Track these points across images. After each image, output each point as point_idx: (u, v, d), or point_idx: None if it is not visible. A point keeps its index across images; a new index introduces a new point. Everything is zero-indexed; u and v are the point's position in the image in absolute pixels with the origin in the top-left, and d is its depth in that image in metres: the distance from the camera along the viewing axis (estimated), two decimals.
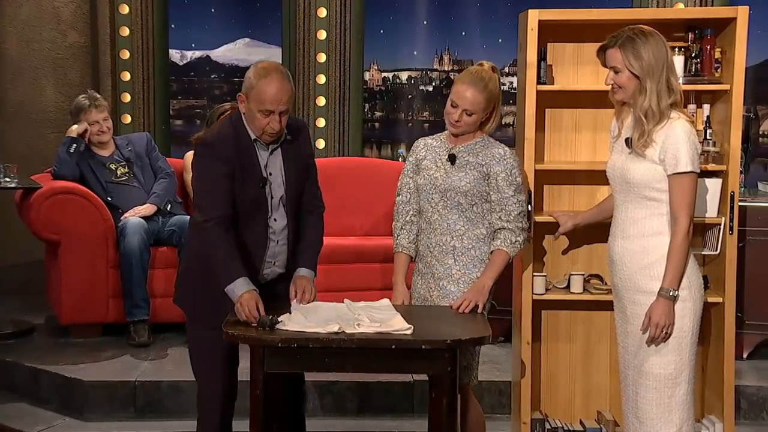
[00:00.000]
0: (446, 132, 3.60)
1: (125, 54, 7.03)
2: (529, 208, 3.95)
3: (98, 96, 5.65)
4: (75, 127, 5.49)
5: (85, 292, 5.30)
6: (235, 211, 3.31)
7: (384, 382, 4.65)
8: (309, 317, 3.20)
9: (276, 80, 3.25)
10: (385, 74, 7.25)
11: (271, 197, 3.38)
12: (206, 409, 3.50)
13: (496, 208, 3.51)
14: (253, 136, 3.34)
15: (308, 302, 3.36)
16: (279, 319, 3.13)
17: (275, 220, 3.40)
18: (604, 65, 3.31)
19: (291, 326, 3.12)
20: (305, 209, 3.52)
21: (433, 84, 7.16)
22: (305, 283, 3.40)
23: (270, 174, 3.37)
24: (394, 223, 3.67)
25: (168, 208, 5.52)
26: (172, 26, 7.19)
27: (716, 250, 3.96)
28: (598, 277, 4.08)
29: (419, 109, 7.21)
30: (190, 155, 5.82)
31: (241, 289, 3.21)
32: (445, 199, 3.52)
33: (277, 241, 3.42)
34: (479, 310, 3.41)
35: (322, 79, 6.97)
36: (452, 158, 3.52)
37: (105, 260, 5.32)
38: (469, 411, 3.63)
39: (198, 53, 7.33)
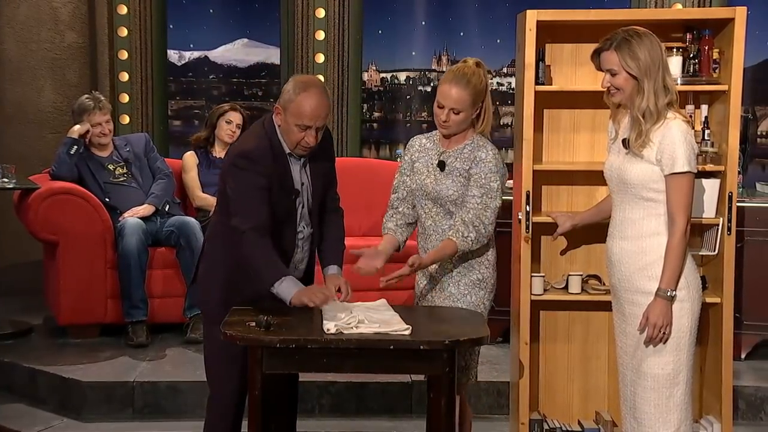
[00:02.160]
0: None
1: (123, 54, 7.03)
2: (528, 209, 3.95)
3: (102, 98, 5.65)
4: (77, 127, 5.49)
5: (83, 293, 5.30)
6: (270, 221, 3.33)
7: (382, 383, 4.65)
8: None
9: (315, 95, 3.27)
10: (383, 75, 7.25)
11: (301, 207, 3.43)
12: (218, 409, 3.51)
13: (463, 204, 3.47)
14: (287, 150, 3.36)
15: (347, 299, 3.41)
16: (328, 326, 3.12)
17: (303, 228, 3.45)
18: (599, 69, 3.30)
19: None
20: (327, 210, 3.57)
21: (432, 84, 7.16)
22: (340, 282, 3.44)
23: (302, 185, 3.42)
24: (385, 215, 3.64)
25: (166, 209, 5.52)
26: (171, 26, 7.19)
27: (714, 251, 3.97)
28: (597, 277, 4.08)
29: (417, 109, 7.21)
30: (188, 155, 5.83)
31: (293, 288, 3.25)
32: (438, 206, 3.51)
33: (303, 248, 3.48)
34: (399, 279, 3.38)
35: (320, 79, 6.97)
36: (441, 165, 3.50)
37: (103, 261, 5.32)
38: (466, 410, 3.64)
39: (196, 53, 7.33)
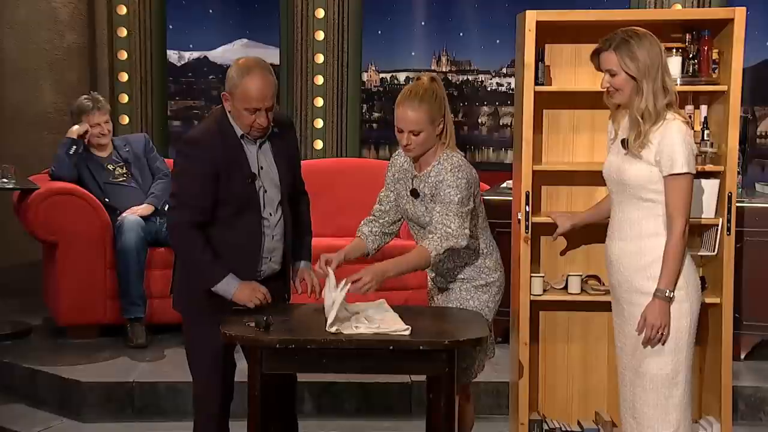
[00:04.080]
0: None
1: (123, 55, 7.03)
2: (527, 209, 3.95)
3: (101, 98, 5.66)
4: (76, 128, 5.49)
5: (82, 293, 5.30)
6: (223, 208, 3.31)
7: (382, 383, 4.65)
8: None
9: (259, 76, 3.23)
10: (383, 75, 7.26)
11: (264, 191, 3.37)
12: (204, 409, 3.50)
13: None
14: (240, 132, 3.33)
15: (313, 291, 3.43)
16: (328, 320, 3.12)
17: (270, 214, 3.39)
18: (598, 69, 3.30)
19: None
20: (293, 198, 3.53)
21: None
22: (305, 275, 3.47)
23: (261, 168, 3.37)
24: (364, 219, 3.61)
25: (166, 209, 5.50)
26: (170, 27, 7.20)
27: (714, 251, 3.97)
28: (596, 277, 4.08)
29: None
30: None
31: (234, 283, 3.27)
32: (423, 231, 3.47)
33: (273, 236, 3.41)
34: (366, 289, 3.22)
35: (320, 80, 6.97)
36: (414, 193, 3.46)
37: (102, 261, 5.32)
38: (467, 410, 3.64)
39: (196, 54, 7.34)
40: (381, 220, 3.59)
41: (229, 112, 3.32)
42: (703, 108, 4.07)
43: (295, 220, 3.51)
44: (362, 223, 3.61)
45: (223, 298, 3.30)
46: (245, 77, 3.23)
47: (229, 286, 3.27)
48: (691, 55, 4.03)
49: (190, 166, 3.29)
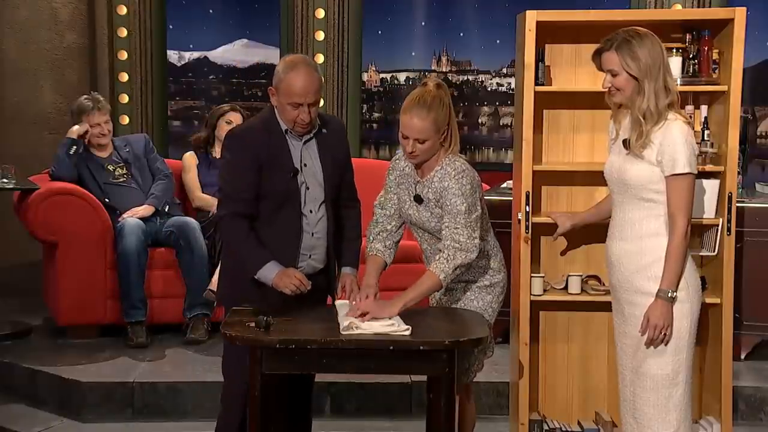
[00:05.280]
0: None
1: (123, 55, 7.04)
2: (527, 210, 3.95)
3: (101, 98, 5.66)
4: (76, 128, 5.49)
5: (82, 293, 5.30)
6: (264, 203, 3.38)
7: (382, 383, 4.65)
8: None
9: (303, 73, 3.33)
10: (383, 75, 7.25)
11: (306, 188, 3.42)
12: (228, 408, 3.51)
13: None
14: (284, 128, 3.40)
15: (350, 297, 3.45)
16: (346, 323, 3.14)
17: (311, 211, 3.44)
18: (600, 69, 3.30)
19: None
20: (343, 206, 3.59)
21: None
22: (347, 281, 3.51)
23: (305, 165, 3.42)
24: (369, 229, 3.59)
25: (166, 209, 5.52)
26: (170, 27, 7.20)
27: (714, 251, 3.97)
28: (596, 278, 4.08)
29: None
30: (188, 156, 5.83)
31: (275, 269, 3.31)
32: (428, 234, 3.49)
33: (312, 234, 3.46)
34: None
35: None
36: (418, 199, 3.45)
37: (103, 261, 5.32)
38: (467, 410, 3.64)
39: (196, 54, 7.34)
40: (388, 227, 3.58)
41: (275, 107, 3.41)
42: (704, 108, 4.07)
43: (342, 224, 3.57)
44: (372, 239, 3.58)
45: (260, 297, 3.34)
46: (290, 72, 3.33)
47: (270, 273, 3.32)
48: (691, 55, 4.03)
49: (232, 159, 3.39)
